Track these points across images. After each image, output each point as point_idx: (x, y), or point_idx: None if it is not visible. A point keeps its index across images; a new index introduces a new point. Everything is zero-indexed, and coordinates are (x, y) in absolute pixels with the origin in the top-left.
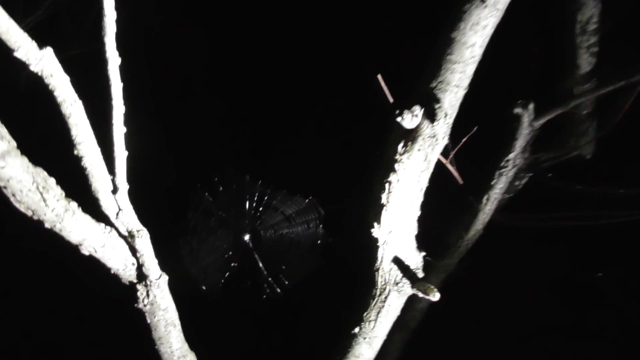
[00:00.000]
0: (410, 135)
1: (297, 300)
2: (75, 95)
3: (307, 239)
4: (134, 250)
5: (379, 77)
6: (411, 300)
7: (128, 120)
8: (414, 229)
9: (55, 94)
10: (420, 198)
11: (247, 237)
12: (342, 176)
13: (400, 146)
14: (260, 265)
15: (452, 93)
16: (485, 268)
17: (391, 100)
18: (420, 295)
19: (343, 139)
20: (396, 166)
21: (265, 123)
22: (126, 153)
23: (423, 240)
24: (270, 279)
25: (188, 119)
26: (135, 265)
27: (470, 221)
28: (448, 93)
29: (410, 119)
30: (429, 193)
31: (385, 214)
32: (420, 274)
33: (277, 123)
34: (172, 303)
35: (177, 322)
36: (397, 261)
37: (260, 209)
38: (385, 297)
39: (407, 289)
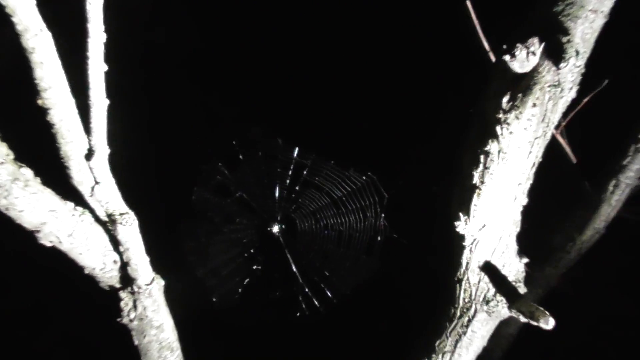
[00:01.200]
0: (522, 84)
1: (344, 321)
2: (41, 23)
3: (363, 233)
4: (115, 243)
5: (468, 2)
6: (501, 324)
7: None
8: (516, 225)
9: (14, 19)
10: (529, 178)
11: (276, 229)
12: (414, 144)
13: (505, 100)
14: (294, 269)
15: (587, 22)
16: (601, 282)
17: (482, 35)
18: (523, 319)
19: (415, 92)
20: (498, 130)
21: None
22: (107, 102)
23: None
24: (307, 289)
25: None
26: (118, 263)
27: (587, 217)
28: (581, 21)
29: (523, 58)
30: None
31: (477, 201)
32: (522, 289)
33: (316, 73)
34: (169, 319)
35: (176, 345)
36: (489, 269)
37: (297, 187)
38: (469, 321)
39: (502, 310)
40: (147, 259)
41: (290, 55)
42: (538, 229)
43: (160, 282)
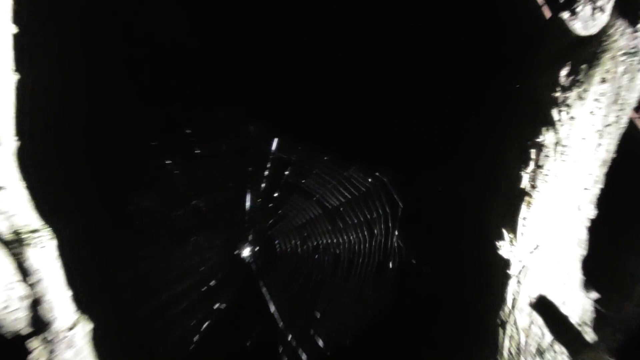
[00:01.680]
0: (586, 52)
1: None
2: None
3: (369, 257)
4: (23, 271)
5: None
6: None
7: None
8: (581, 246)
9: None
10: (598, 181)
11: (246, 252)
12: (435, 135)
13: (563, 73)
14: (272, 309)
15: None
16: None
17: None
18: None
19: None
20: (554, 114)
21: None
22: (14, 77)
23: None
24: (291, 337)
25: None
26: (27, 300)
27: None
28: None
29: (587, 16)
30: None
31: (527, 213)
32: (591, 335)
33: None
34: None
35: None
36: (544, 308)
37: (276, 194)
38: None
39: None
40: (68, 294)
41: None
42: (611, 251)
43: (86, 327)
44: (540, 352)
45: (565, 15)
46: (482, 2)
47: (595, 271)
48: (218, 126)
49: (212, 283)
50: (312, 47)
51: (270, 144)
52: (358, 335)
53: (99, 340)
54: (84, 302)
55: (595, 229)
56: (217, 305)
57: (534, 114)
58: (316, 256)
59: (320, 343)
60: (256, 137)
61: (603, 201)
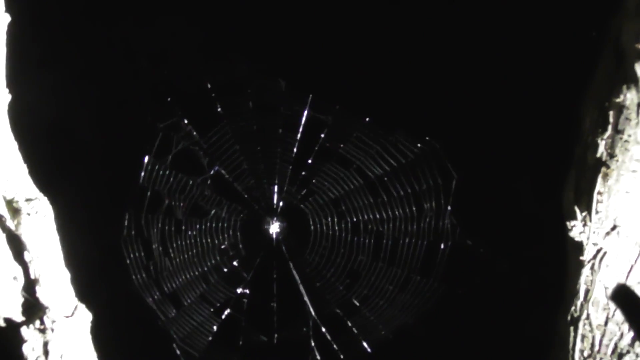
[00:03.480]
0: None
1: None
2: None
3: (417, 237)
4: (17, 247)
5: None
6: None
7: None
8: None
9: None
10: None
11: (274, 228)
12: (497, 96)
13: None
14: (305, 296)
15: None
16: None
17: None
18: None
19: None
20: (637, 69)
21: None
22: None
23: None
24: (325, 331)
25: None
26: (22, 281)
27: None
28: None
29: None
30: None
31: (604, 187)
32: None
33: None
34: None
35: None
36: (623, 300)
37: (309, 160)
38: None
39: None
40: (67, 276)
41: None
42: None
43: (86, 315)
44: (618, 354)
45: None
46: None
47: None
48: (240, 81)
49: (235, 264)
50: None
51: (304, 103)
52: (403, 330)
53: (102, 330)
54: (85, 285)
55: None
56: (239, 290)
57: (613, 70)
58: (355, 235)
59: (362, 339)
60: (286, 93)
61: None
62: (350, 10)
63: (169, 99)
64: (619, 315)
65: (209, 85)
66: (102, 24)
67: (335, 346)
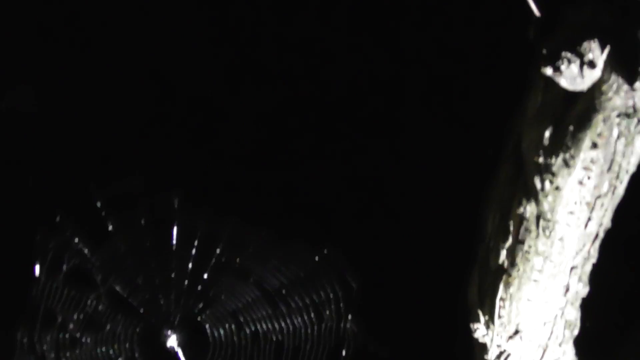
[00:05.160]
0: (575, 109)
1: None
2: None
3: (317, 344)
4: None
5: None
6: None
7: None
8: (571, 327)
9: None
10: (589, 258)
11: (172, 341)
12: (395, 191)
13: (547, 135)
14: None
15: None
16: None
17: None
18: None
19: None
20: (537, 182)
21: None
22: None
23: None
24: None
25: None
26: None
27: None
28: None
29: (574, 74)
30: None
31: (505, 292)
32: None
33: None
34: None
35: None
36: None
37: (205, 274)
38: None
39: None
40: None
41: None
42: (607, 329)
43: None
44: None
45: (548, 71)
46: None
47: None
48: (133, 196)
49: None
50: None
51: (198, 215)
52: None
53: None
54: None
55: (590, 304)
56: None
57: (514, 179)
58: (255, 346)
59: None
60: (179, 206)
61: (597, 275)
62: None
63: (57, 218)
64: None
65: (98, 204)
66: None
67: None
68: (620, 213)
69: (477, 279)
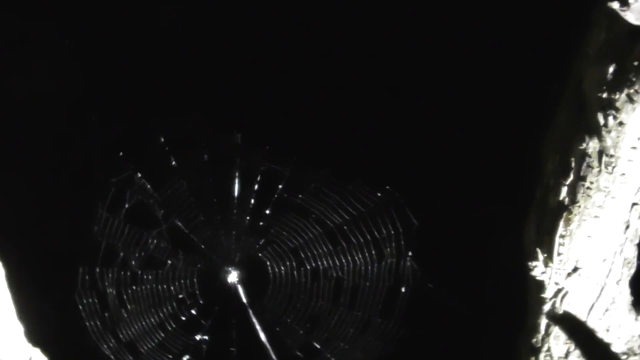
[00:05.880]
0: (639, 45)
1: None
2: None
3: (377, 282)
4: None
5: None
6: None
7: None
8: (629, 265)
9: None
10: None
11: (232, 277)
12: (455, 145)
13: (611, 70)
14: (264, 341)
15: None
16: None
17: None
18: None
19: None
20: (600, 118)
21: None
22: None
23: None
24: None
25: None
26: None
27: None
28: None
29: None
30: None
31: (565, 230)
32: None
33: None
34: None
35: None
36: (584, 335)
37: (267, 211)
38: None
39: None
40: (20, 329)
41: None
42: None
43: None
44: None
45: (614, 5)
46: None
47: None
48: (195, 134)
49: (193, 312)
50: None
51: (260, 154)
52: None
53: None
54: (39, 337)
55: None
56: (198, 337)
57: (576, 116)
58: (315, 282)
59: None
60: (243, 146)
61: None
62: (305, 62)
63: (120, 154)
64: (579, 350)
65: (162, 139)
66: None
67: None
68: None
69: (535, 219)
